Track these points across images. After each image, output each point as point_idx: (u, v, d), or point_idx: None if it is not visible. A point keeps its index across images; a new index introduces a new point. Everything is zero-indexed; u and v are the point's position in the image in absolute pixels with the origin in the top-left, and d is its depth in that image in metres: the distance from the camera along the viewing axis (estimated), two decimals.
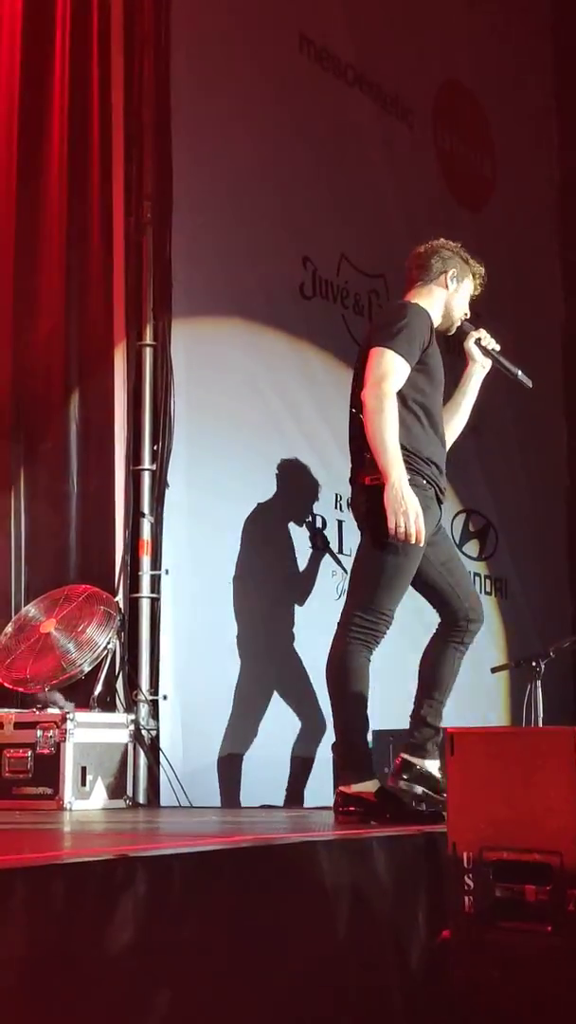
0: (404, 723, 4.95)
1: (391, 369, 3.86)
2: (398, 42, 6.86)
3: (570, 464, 7.91)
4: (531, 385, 4.25)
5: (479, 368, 4.21)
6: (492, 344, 4.19)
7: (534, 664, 5.17)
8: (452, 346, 4.32)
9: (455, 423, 4.27)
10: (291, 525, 5.69)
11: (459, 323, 4.17)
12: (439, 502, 4.04)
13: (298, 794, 5.40)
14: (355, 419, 4.02)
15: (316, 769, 5.44)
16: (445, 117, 7.25)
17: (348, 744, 3.91)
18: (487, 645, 6.75)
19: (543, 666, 5.15)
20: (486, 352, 4.19)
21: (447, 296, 4.12)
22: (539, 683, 5.13)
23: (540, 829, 2.52)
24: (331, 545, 5.84)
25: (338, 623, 3.93)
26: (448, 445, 4.21)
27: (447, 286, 4.11)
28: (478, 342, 4.18)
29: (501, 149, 7.66)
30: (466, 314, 4.19)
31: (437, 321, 4.12)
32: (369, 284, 6.32)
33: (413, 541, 3.78)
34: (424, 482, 3.93)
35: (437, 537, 4.06)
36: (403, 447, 3.87)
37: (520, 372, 4.22)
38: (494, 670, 5.87)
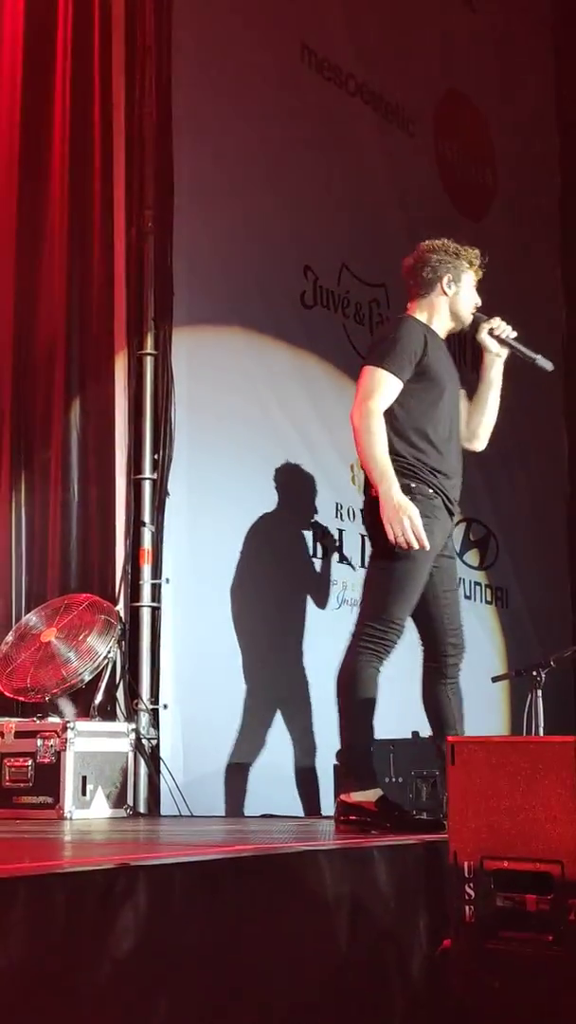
0: (403, 732, 4.98)
1: (377, 386, 3.90)
2: (399, 52, 6.87)
3: (571, 472, 7.90)
4: (551, 368, 4.18)
5: (496, 358, 4.18)
6: (507, 332, 4.15)
7: (535, 673, 5.16)
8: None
9: (485, 418, 4.25)
10: (291, 534, 5.69)
11: (471, 318, 4.16)
12: (450, 512, 4.04)
13: (299, 803, 5.40)
14: None
15: (317, 779, 5.44)
16: (446, 126, 7.26)
17: (351, 753, 3.91)
18: (487, 654, 6.75)
19: (544, 675, 5.14)
20: (501, 341, 4.16)
21: (449, 301, 4.12)
22: (540, 692, 5.12)
23: (541, 838, 2.52)
24: (332, 553, 5.83)
25: (351, 634, 3.95)
26: (484, 440, 4.26)
27: (446, 292, 4.11)
28: (491, 332, 4.16)
29: (502, 158, 7.68)
30: (477, 304, 4.17)
31: (447, 326, 4.14)
32: (370, 293, 6.33)
33: (416, 547, 3.79)
34: (430, 491, 3.94)
35: (444, 561, 4.07)
36: (406, 458, 3.90)
37: (539, 357, 4.15)
38: (495, 679, 5.86)
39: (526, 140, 7.87)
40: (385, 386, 3.90)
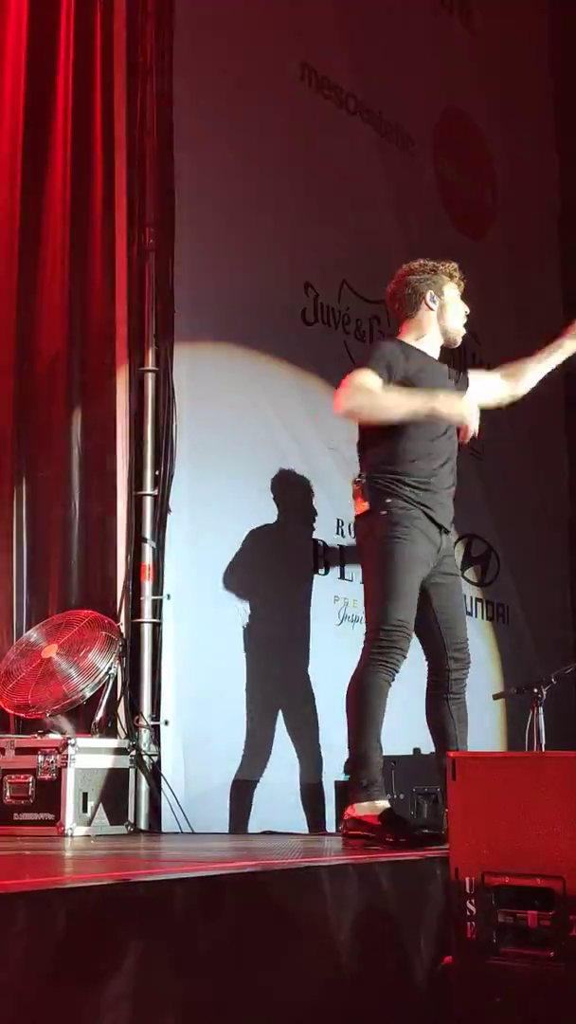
0: (405, 748, 4.98)
1: (354, 375, 4.02)
2: (399, 71, 6.91)
3: (571, 490, 7.92)
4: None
5: (572, 345, 4.34)
6: None
7: (536, 690, 5.16)
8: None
9: (519, 385, 4.38)
10: (293, 550, 5.69)
11: (463, 330, 4.25)
12: (437, 526, 4.07)
13: (303, 820, 5.39)
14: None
15: (320, 795, 5.43)
16: (446, 145, 7.29)
17: (357, 763, 3.94)
18: (488, 671, 6.75)
19: (545, 692, 5.14)
20: None
21: (436, 315, 4.21)
22: (541, 709, 5.12)
23: (542, 854, 2.51)
24: (333, 569, 5.84)
25: (362, 649, 4.00)
26: (527, 385, 4.38)
27: (430, 307, 4.21)
28: None
29: (502, 177, 7.71)
30: (467, 312, 4.26)
31: (438, 341, 4.23)
32: (370, 310, 6.34)
33: (474, 428, 3.97)
34: (405, 504, 4.02)
35: (440, 576, 4.12)
36: (390, 470, 4.03)
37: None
38: (496, 696, 5.86)
39: (525, 159, 7.90)
40: (362, 374, 4.01)
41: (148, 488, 5.25)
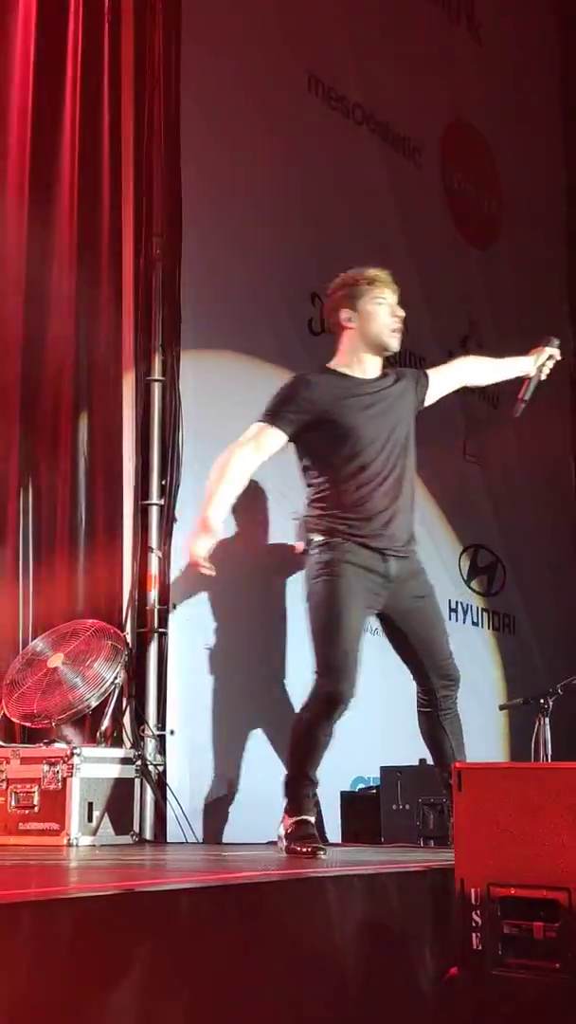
0: (411, 760, 4.96)
1: (247, 432, 4.17)
2: (406, 82, 6.91)
3: None
4: (516, 416, 4.45)
5: (533, 368, 4.42)
6: (542, 373, 4.42)
7: (542, 701, 5.14)
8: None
9: (480, 370, 4.53)
10: (299, 562, 5.67)
11: (392, 338, 4.22)
12: (379, 551, 4.06)
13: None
14: None
15: (326, 804, 5.42)
16: (453, 156, 7.30)
17: (288, 783, 4.07)
18: (494, 681, 6.74)
19: (551, 703, 5.13)
20: (539, 368, 4.41)
21: (355, 333, 4.20)
22: (547, 720, 5.11)
23: (548, 865, 2.51)
24: None
25: None
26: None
27: (348, 326, 4.21)
28: (551, 356, 4.43)
29: (508, 187, 7.71)
30: (397, 317, 4.22)
31: (365, 356, 4.22)
32: None
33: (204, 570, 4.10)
34: (335, 538, 4.03)
35: (408, 600, 4.13)
36: (316, 506, 4.12)
37: (523, 406, 4.41)
38: (503, 707, 5.85)
39: (533, 170, 7.90)
40: (252, 430, 4.16)
41: (154, 497, 5.26)
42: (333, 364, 4.26)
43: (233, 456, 4.13)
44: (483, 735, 6.22)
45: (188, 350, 5.37)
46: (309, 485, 4.19)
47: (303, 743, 4.03)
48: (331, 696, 3.95)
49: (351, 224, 6.33)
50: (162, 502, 5.26)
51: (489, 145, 7.63)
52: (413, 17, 7.13)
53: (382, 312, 4.21)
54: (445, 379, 4.44)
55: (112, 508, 5.34)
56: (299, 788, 4.03)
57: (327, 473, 4.12)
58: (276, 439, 4.12)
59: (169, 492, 5.24)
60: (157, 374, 5.35)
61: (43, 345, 5.63)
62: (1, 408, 5.58)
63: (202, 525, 4.09)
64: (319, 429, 4.10)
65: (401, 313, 4.24)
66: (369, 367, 4.25)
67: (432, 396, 4.39)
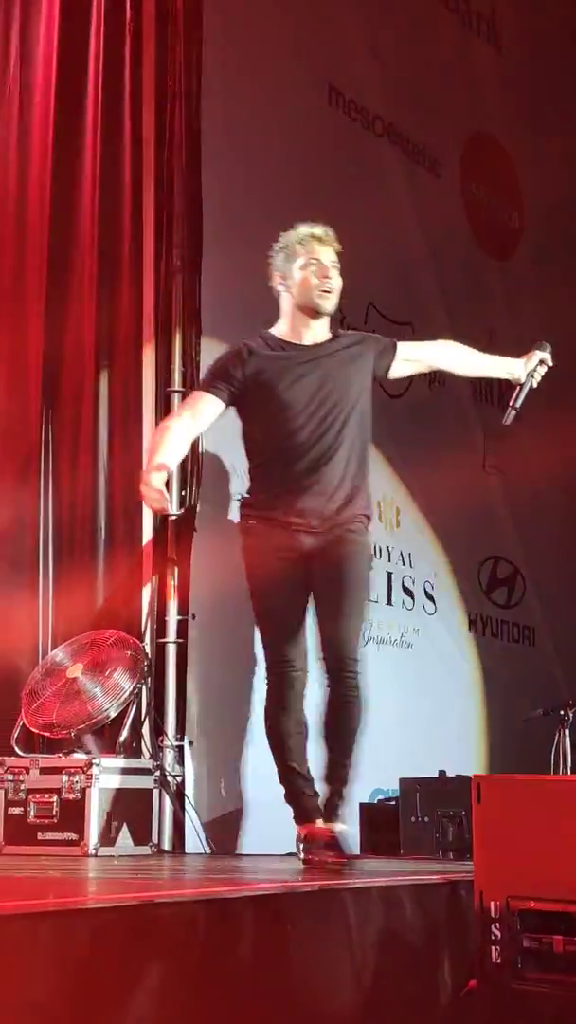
0: (430, 771, 4.95)
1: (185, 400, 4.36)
2: (426, 93, 6.93)
3: None
4: (506, 423, 4.26)
5: (524, 375, 4.27)
6: (532, 380, 4.26)
7: (562, 712, 5.13)
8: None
9: (459, 358, 4.39)
10: None
11: (322, 299, 4.11)
12: (294, 527, 3.99)
13: None
14: None
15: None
16: (473, 167, 7.30)
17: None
18: (516, 693, 6.71)
19: (572, 715, 5.12)
20: (529, 373, 4.26)
21: (290, 296, 4.16)
22: (567, 732, 5.09)
23: (568, 879, 2.49)
24: None
25: None
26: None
27: (283, 289, 4.19)
28: (542, 362, 4.28)
29: (529, 199, 7.71)
30: (324, 278, 4.10)
31: (303, 320, 4.14)
32: (397, 332, 6.32)
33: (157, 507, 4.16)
34: (254, 522, 4.06)
35: (314, 575, 4.04)
36: (246, 495, 4.13)
37: (514, 413, 4.23)
38: (525, 720, 5.82)
39: (554, 181, 7.89)
40: (191, 397, 4.28)
41: (174, 508, 5.26)
42: (273, 329, 4.23)
43: (171, 423, 4.25)
44: (505, 748, 6.20)
45: (209, 361, 5.37)
46: (246, 453, 4.20)
47: (271, 737, 4.11)
48: (272, 671, 4.03)
49: (371, 235, 6.33)
50: (182, 513, 5.26)
51: (510, 157, 7.63)
52: (434, 29, 7.15)
53: (310, 274, 4.11)
54: (417, 354, 4.29)
55: (131, 518, 5.35)
56: (290, 786, 4.05)
57: (256, 439, 4.13)
58: (212, 405, 4.12)
59: (189, 502, 5.25)
60: (177, 385, 5.36)
61: (64, 355, 5.63)
62: (23, 420, 5.59)
63: (154, 468, 4.05)
64: (250, 395, 4.08)
65: (333, 273, 4.10)
66: (309, 332, 4.15)
67: (400, 369, 4.23)
